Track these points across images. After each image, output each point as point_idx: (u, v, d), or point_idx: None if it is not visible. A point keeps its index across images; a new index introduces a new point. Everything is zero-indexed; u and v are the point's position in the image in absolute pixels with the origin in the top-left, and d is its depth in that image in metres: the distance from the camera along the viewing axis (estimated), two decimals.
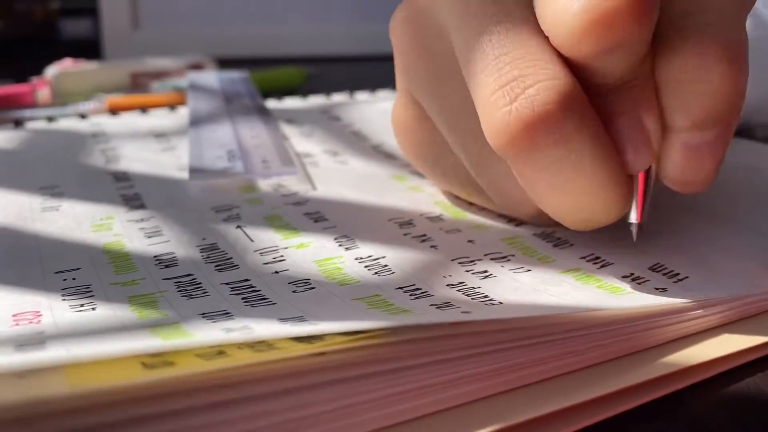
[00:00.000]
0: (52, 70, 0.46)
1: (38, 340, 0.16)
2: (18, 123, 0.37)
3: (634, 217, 0.21)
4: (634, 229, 0.21)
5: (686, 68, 0.19)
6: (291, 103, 0.41)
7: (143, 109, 0.39)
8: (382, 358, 0.15)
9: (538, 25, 0.19)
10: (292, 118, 0.37)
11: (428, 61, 0.22)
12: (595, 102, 0.19)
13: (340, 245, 0.23)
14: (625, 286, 0.20)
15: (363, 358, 0.15)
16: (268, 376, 0.14)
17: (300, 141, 0.33)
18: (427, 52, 0.22)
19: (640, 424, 0.16)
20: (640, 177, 0.20)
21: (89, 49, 0.61)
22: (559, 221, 0.20)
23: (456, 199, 0.27)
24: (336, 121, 0.36)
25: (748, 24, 0.32)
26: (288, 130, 0.35)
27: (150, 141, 0.33)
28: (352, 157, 0.31)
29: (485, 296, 0.19)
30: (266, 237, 0.23)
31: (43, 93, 0.44)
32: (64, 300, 0.19)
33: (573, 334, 0.17)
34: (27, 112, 0.40)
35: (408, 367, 0.15)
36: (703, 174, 0.20)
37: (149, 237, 0.23)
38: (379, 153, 0.32)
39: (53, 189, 0.27)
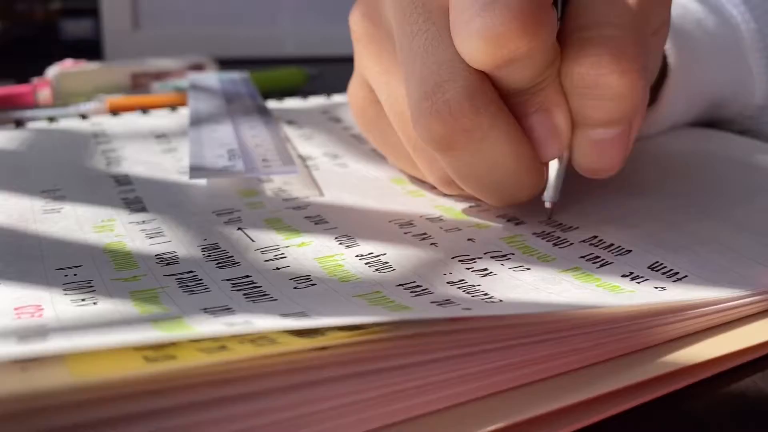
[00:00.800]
0: (52, 71, 0.46)
1: (40, 332, 0.16)
2: (19, 123, 0.37)
3: (548, 197, 0.24)
4: (547, 208, 0.24)
5: (584, 77, 0.21)
6: (291, 103, 0.41)
7: (144, 109, 0.39)
8: (383, 354, 0.15)
9: None
10: (293, 119, 0.37)
11: (379, 54, 0.25)
12: (510, 101, 0.22)
13: (340, 243, 0.23)
14: (625, 285, 0.20)
15: (364, 354, 0.15)
16: (270, 371, 0.14)
17: (300, 143, 0.33)
18: (378, 46, 0.25)
19: (640, 424, 0.16)
20: (552, 163, 0.23)
21: (90, 49, 0.61)
22: (483, 199, 0.24)
23: (456, 202, 0.27)
24: (336, 123, 0.36)
25: (713, 21, 0.33)
26: (288, 131, 0.35)
27: (151, 142, 0.33)
28: (352, 160, 0.31)
29: (485, 294, 0.19)
30: (267, 237, 0.23)
31: (44, 93, 0.44)
32: (65, 294, 0.19)
33: (573, 332, 0.17)
34: (28, 113, 0.40)
35: (409, 365, 0.15)
36: (609, 163, 0.23)
37: (151, 237, 0.23)
38: (379, 155, 0.32)
39: (55, 192, 0.27)
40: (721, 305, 0.19)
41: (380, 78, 0.25)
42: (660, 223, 0.24)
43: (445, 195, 0.27)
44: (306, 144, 0.33)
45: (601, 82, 0.21)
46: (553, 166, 0.24)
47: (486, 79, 0.21)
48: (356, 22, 0.26)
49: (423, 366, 0.16)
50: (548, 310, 0.17)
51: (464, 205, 0.26)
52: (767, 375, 0.18)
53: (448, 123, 0.21)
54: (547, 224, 0.24)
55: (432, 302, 0.19)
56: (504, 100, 0.22)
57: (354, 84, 0.28)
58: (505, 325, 0.16)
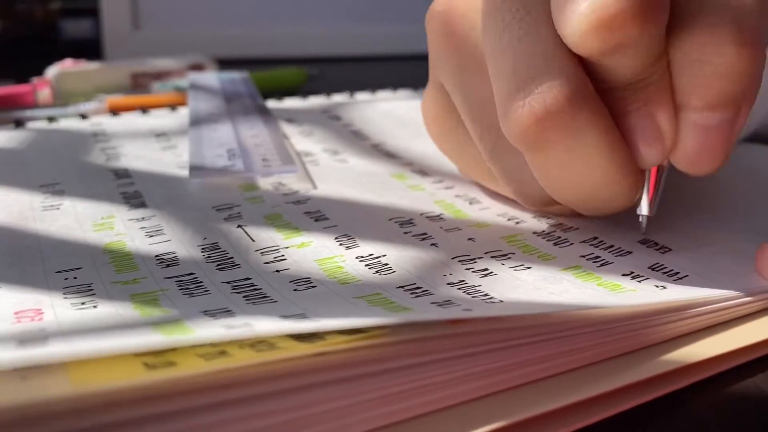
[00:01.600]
0: (52, 71, 0.46)
1: (40, 336, 0.16)
2: (19, 123, 0.37)
3: (644, 210, 0.22)
4: (643, 221, 0.22)
5: (699, 47, 0.19)
6: (291, 103, 0.41)
7: (144, 109, 0.39)
8: (384, 356, 0.15)
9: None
10: (292, 117, 0.37)
11: (458, 54, 0.23)
12: (610, 98, 0.20)
13: (340, 244, 0.23)
14: (626, 284, 0.20)
15: (364, 357, 0.15)
16: (270, 376, 0.14)
17: (300, 140, 0.33)
18: (457, 45, 0.23)
19: (640, 425, 0.16)
20: (652, 171, 0.21)
21: (90, 49, 0.62)
22: (571, 207, 0.22)
23: (456, 198, 0.27)
24: (336, 121, 0.36)
25: None
26: (288, 129, 0.35)
27: (150, 140, 0.33)
28: (352, 155, 0.31)
29: (485, 294, 0.19)
30: (267, 236, 0.23)
31: (44, 93, 0.44)
32: (65, 298, 0.19)
33: (573, 332, 0.17)
34: (28, 113, 0.40)
35: (409, 366, 0.15)
36: (713, 155, 0.20)
37: (150, 236, 0.23)
38: (379, 152, 0.32)
39: (54, 186, 0.27)
40: (723, 304, 0.19)
41: (457, 79, 0.23)
42: (661, 223, 0.24)
43: (448, 188, 0.27)
44: (305, 140, 0.33)
45: (719, 54, 0.19)
46: (651, 174, 0.21)
47: (585, 72, 0.20)
48: (434, 21, 0.24)
49: (423, 367, 0.16)
50: (548, 311, 0.17)
51: (464, 202, 0.26)
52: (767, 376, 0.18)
53: (542, 118, 0.19)
54: (548, 224, 0.24)
55: (432, 303, 0.19)
56: (602, 96, 0.20)
57: (428, 94, 0.26)
58: (506, 328, 0.16)
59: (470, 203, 0.26)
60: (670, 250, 0.22)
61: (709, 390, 0.18)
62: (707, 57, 0.19)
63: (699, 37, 0.19)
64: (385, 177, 0.29)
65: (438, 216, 0.25)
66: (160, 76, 0.48)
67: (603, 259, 0.22)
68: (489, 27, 0.21)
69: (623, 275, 0.21)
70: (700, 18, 0.19)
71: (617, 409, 0.16)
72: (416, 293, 0.19)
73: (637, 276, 0.21)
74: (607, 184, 0.20)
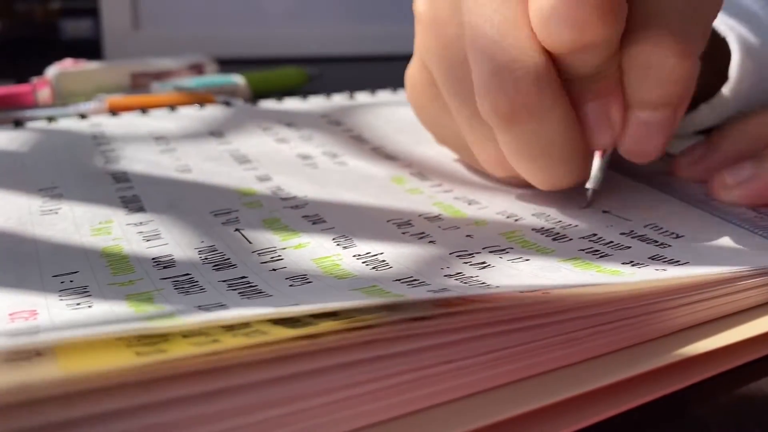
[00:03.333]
0: (52, 71, 0.46)
1: (32, 332, 0.16)
2: (18, 123, 0.37)
3: (591, 184, 0.25)
4: (589, 194, 0.26)
5: (645, 55, 0.23)
6: (291, 104, 0.41)
7: (144, 109, 0.39)
8: (375, 339, 0.15)
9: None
10: (292, 121, 0.37)
11: (441, 36, 0.26)
12: (570, 88, 0.24)
13: (338, 244, 0.23)
14: (625, 270, 0.20)
15: (355, 340, 0.15)
16: (260, 359, 0.14)
17: (299, 144, 0.33)
18: (440, 27, 0.26)
19: (641, 426, 0.16)
20: (599, 152, 0.25)
21: (90, 49, 0.62)
22: (529, 181, 0.25)
23: (455, 200, 0.27)
24: (336, 126, 0.36)
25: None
26: (287, 133, 0.35)
27: (150, 143, 0.33)
28: (351, 158, 0.31)
29: (482, 282, 0.19)
30: (264, 239, 0.23)
31: (44, 93, 0.44)
32: (61, 299, 0.19)
33: (572, 315, 0.17)
34: (27, 112, 0.40)
35: (401, 353, 0.15)
36: (652, 148, 0.24)
37: (148, 240, 0.23)
38: (379, 155, 0.32)
39: (53, 190, 0.27)
40: (726, 286, 0.19)
41: (439, 58, 0.26)
42: (659, 218, 0.24)
43: (446, 191, 0.27)
44: (305, 144, 0.33)
45: (661, 63, 0.23)
46: (598, 156, 0.25)
47: (552, 63, 0.23)
48: (422, 4, 0.27)
49: (416, 354, 0.15)
50: (545, 286, 0.17)
51: (462, 203, 0.26)
52: None
53: (513, 99, 0.22)
54: (547, 221, 0.25)
55: (428, 291, 0.19)
56: (563, 85, 0.23)
57: (412, 66, 0.29)
58: (501, 306, 0.16)
59: (469, 204, 0.26)
60: (670, 246, 0.22)
61: (711, 392, 0.18)
62: (652, 64, 0.23)
63: (646, 46, 0.23)
64: (385, 180, 0.29)
65: (436, 216, 0.25)
66: (160, 76, 0.48)
67: (602, 252, 0.22)
68: (474, 17, 0.23)
69: (623, 263, 0.21)
70: (648, 29, 0.23)
71: (619, 408, 0.16)
72: (413, 284, 0.19)
73: (637, 264, 0.21)
74: (563, 161, 0.24)
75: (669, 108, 0.23)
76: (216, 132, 0.35)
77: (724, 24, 0.33)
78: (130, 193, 0.27)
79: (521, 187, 0.27)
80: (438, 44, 0.26)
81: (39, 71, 0.46)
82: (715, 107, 0.33)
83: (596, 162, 0.25)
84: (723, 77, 0.33)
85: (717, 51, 0.33)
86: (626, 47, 0.23)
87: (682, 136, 0.34)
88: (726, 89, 0.33)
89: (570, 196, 0.26)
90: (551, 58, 0.23)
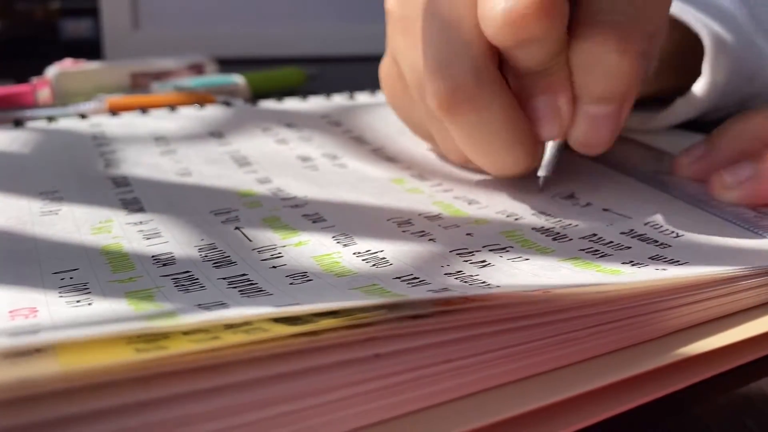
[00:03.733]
0: (52, 70, 0.46)
1: (32, 330, 0.16)
2: (18, 122, 0.37)
3: (542, 171, 0.27)
4: (541, 180, 0.27)
5: (590, 52, 0.24)
6: (291, 104, 0.41)
7: (143, 109, 0.39)
8: (374, 336, 0.15)
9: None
10: (292, 122, 0.37)
11: (406, 33, 0.27)
12: (521, 82, 0.25)
13: (338, 242, 0.23)
14: (625, 269, 0.20)
15: (355, 337, 0.15)
16: (259, 356, 0.14)
17: (299, 145, 0.33)
18: (406, 24, 0.27)
19: (641, 426, 0.16)
20: (550, 142, 0.26)
21: (89, 49, 0.62)
22: (481, 168, 0.27)
23: (455, 199, 0.27)
24: (336, 126, 0.36)
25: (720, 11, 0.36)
26: (287, 134, 0.35)
27: (150, 144, 0.33)
28: (351, 160, 0.31)
29: (483, 282, 0.19)
30: (264, 237, 0.23)
31: (44, 93, 0.44)
32: (61, 296, 0.19)
33: (572, 314, 0.17)
34: (27, 113, 0.40)
35: (401, 351, 0.15)
36: (599, 140, 0.26)
37: (148, 239, 0.23)
38: (379, 157, 0.32)
39: (53, 194, 0.27)
40: (726, 286, 0.19)
41: (405, 53, 0.28)
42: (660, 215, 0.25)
43: (446, 190, 0.28)
44: (305, 145, 0.33)
45: (604, 59, 0.24)
46: (550, 145, 0.26)
47: (493, 60, 0.24)
48: (392, 3, 0.29)
49: (415, 353, 0.15)
50: (545, 285, 0.17)
51: (462, 202, 0.26)
52: None
53: (454, 90, 0.24)
54: (547, 220, 0.25)
55: (429, 291, 0.19)
56: (516, 80, 0.25)
57: (385, 61, 0.31)
58: (500, 304, 0.16)
59: (469, 203, 0.26)
60: (670, 246, 0.22)
61: (712, 394, 0.18)
62: (596, 60, 0.24)
63: (591, 44, 0.24)
64: (385, 181, 0.29)
65: (436, 215, 0.25)
66: (160, 76, 0.48)
67: (602, 252, 0.22)
68: (425, 15, 0.25)
69: (623, 263, 0.21)
70: (593, 27, 0.24)
71: (617, 409, 0.16)
72: (413, 283, 0.19)
73: (637, 264, 0.21)
74: (507, 150, 0.25)
75: (614, 102, 0.25)
76: (216, 133, 0.35)
77: (698, 22, 0.35)
78: (131, 196, 0.27)
79: (480, 173, 0.29)
80: (404, 40, 0.27)
81: (39, 71, 0.46)
82: (690, 101, 0.34)
83: (548, 150, 0.26)
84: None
85: (698, 49, 0.34)
86: (573, 44, 0.24)
87: (661, 130, 0.36)
88: (700, 83, 0.34)
89: (526, 181, 0.27)
90: (500, 54, 0.24)
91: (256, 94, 0.46)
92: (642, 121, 0.36)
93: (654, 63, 0.30)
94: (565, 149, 0.27)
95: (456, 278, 0.20)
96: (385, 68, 0.31)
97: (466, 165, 0.29)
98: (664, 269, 0.20)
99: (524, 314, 0.16)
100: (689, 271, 0.20)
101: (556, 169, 0.27)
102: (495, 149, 0.25)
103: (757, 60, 0.37)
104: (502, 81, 0.25)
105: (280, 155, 0.32)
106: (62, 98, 0.44)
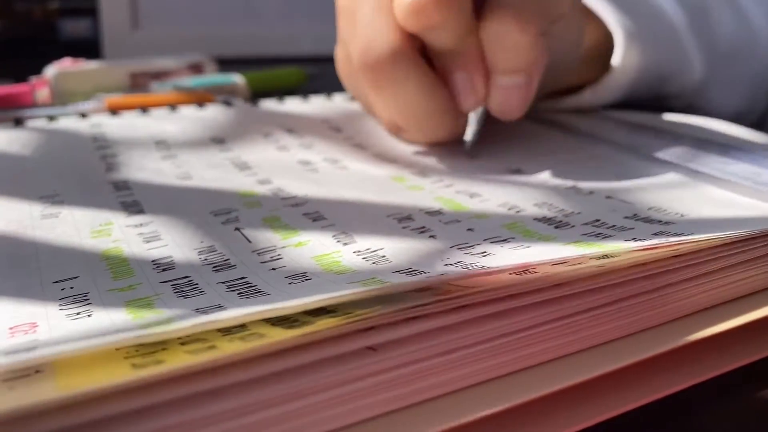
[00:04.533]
0: (51, 70, 0.46)
1: (29, 347, 0.16)
2: (17, 122, 0.37)
3: (467, 137, 0.32)
4: (466, 145, 0.32)
5: (494, 31, 0.28)
6: (292, 104, 0.41)
7: (143, 109, 0.39)
8: (370, 326, 0.15)
9: None
10: (292, 127, 0.37)
11: (351, 22, 0.31)
12: (440, 59, 0.30)
13: (338, 241, 0.23)
14: (628, 245, 0.20)
15: (352, 329, 0.15)
16: (254, 356, 0.14)
17: (300, 151, 0.33)
18: (351, 15, 0.31)
19: (641, 426, 0.16)
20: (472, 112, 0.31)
21: (89, 48, 0.61)
22: (412, 135, 0.32)
23: (457, 194, 0.27)
24: (337, 132, 0.36)
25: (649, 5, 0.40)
26: (288, 140, 0.35)
27: (150, 147, 0.33)
28: (352, 162, 0.31)
29: (483, 267, 0.19)
30: (264, 238, 0.23)
31: (43, 93, 0.44)
32: (61, 309, 0.19)
33: (575, 288, 0.17)
34: (26, 112, 0.40)
35: (399, 341, 0.15)
36: (513, 107, 0.30)
37: (148, 242, 0.23)
38: (380, 159, 0.32)
39: (53, 198, 0.27)
40: (734, 250, 0.19)
41: (350, 40, 0.31)
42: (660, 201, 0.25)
43: (448, 185, 0.28)
44: (306, 152, 0.33)
45: (508, 37, 0.28)
46: (473, 114, 0.31)
47: (409, 42, 0.29)
48: None
49: (414, 343, 0.15)
50: (542, 261, 0.17)
51: (464, 197, 0.26)
52: None
53: (375, 70, 0.29)
54: (549, 210, 0.25)
55: (427, 277, 0.18)
56: (437, 58, 0.30)
57: (337, 46, 0.35)
58: (495, 287, 0.16)
59: (471, 197, 0.26)
60: (674, 223, 0.23)
61: (712, 395, 0.18)
62: (501, 38, 0.28)
63: (496, 24, 0.28)
64: (385, 179, 0.29)
65: (437, 211, 0.25)
66: (160, 75, 0.48)
67: (605, 234, 0.22)
68: (358, 7, 0.30)
69: (626, 241, 0.21)
70: (496, 9, 0.28)
71: (617, 409, 0.16)
72: (413, 274, 0.19)
73: (641, 240, 0.21)
74: (428, 120, 0.30)
75: (521, 74, 0.29)
76: (217, 139, 0.35)
77: (611, 15, 0.37)
78: (131, 199, 0.27)
79: (413, 143, 0.33)
80: (348, 27, 0.31)
81: (38, 71, 0.46)
82: (597, 91, 0.37)
83: (471, 118, 0.31)
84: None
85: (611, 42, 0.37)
86: (481, 26, 0.28)
87: (566, 111, 0.38)
88: (610, 75, 0.37)
89: (526, 174, 0.29)
90: (413, 37, 0.29)
91: (256, 94, 0.46)
92: (555, 102, 0.38)
93: (579, 50, 0.35)
94: (488, 117, 0.31)
95: (456, 266, 0.20)
96: (337, 52, 0.35)
97: (399, 134, 0.33)
98: (667, 240, 0.20)
99: (521, 292, 0.17)
100: (693, 238, 0.19)
101: (482, 135, 0.31)
102: (416, 119, 0.30)
103: (678, 62, 0.39)
104: (418, 59, 0.29)
105: (281, 161, 0.32)
106: (61, 98, 0.44)
